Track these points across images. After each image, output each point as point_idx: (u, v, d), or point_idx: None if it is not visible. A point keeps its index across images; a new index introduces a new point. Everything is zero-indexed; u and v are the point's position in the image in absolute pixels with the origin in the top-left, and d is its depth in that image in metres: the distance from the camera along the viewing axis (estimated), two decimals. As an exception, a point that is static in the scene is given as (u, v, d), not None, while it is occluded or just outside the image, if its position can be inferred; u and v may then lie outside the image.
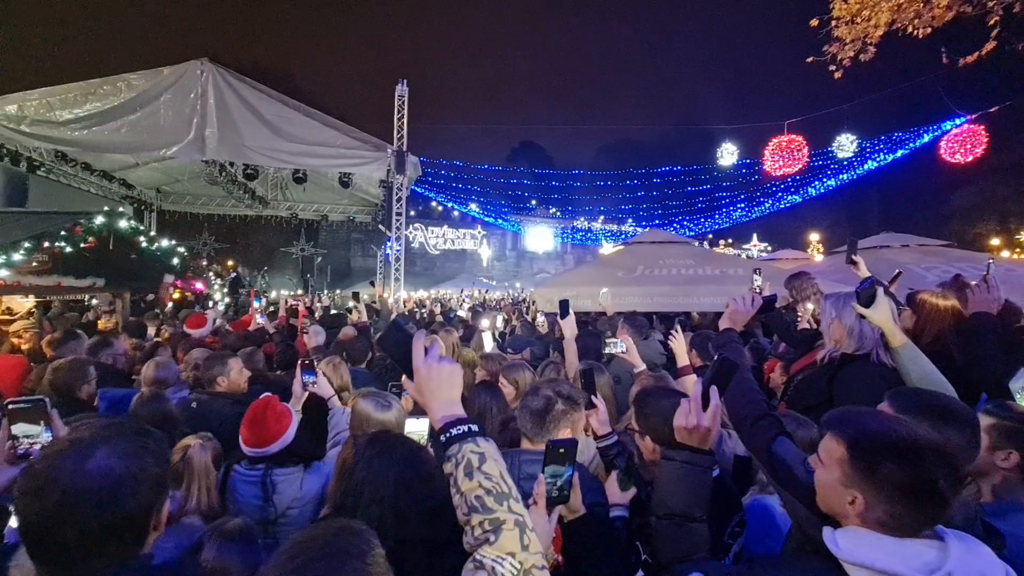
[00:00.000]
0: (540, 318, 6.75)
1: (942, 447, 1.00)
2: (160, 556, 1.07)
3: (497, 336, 5.40)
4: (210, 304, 9.94)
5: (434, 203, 38.56)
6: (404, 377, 1.17)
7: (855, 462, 1.04)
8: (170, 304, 9.00)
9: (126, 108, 8.13)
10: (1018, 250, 31.17)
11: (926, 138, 20.97)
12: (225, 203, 13.67)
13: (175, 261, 10.34)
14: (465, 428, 1.05)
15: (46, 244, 8.18)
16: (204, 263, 12.63)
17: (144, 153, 9.36)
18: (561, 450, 1.33)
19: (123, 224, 9.47)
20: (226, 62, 8.81)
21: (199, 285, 10.90)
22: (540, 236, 43.85)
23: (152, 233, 11.37)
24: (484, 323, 5.10)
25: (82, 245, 8.32)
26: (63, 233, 8.48)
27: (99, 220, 9.00)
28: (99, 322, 6.92)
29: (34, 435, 1.60)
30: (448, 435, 1.04)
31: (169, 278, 9.55)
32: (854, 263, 3.41)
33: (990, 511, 1.43)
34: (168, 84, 8.31)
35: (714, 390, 1.41)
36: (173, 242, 10.97)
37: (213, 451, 2.14)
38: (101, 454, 0.96)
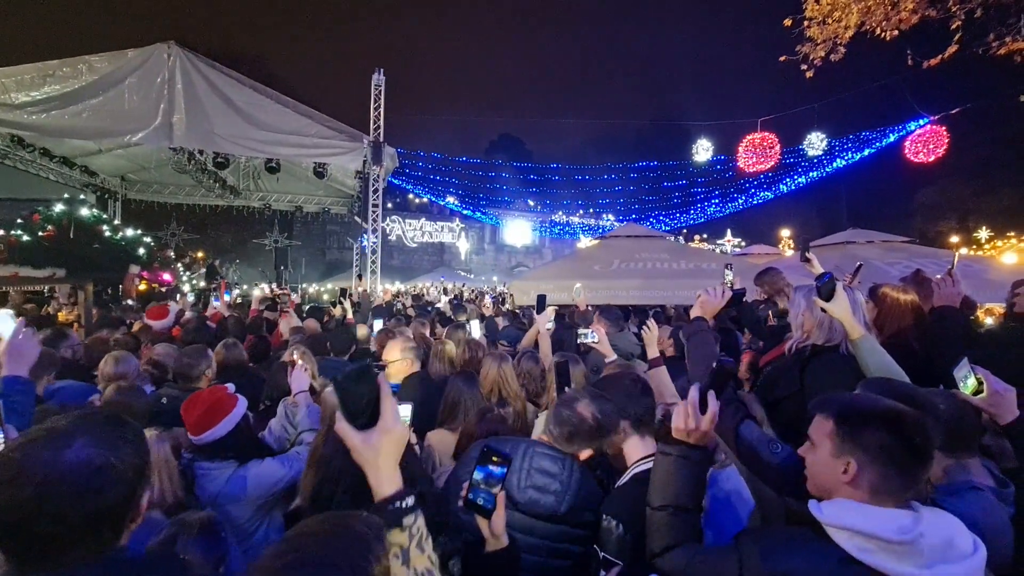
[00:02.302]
0: (487, 300, 7.00)
1: (917, 416, 1.12)
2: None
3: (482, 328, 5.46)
4: (177, 297, 9.64)
5: (411, 195, 38.18)
6: (349, 432, 1.06)
7: (842, 430, 1.15)
8: (140, 298, 8.72)
9: (88, 91, 7.79)
10: (975, 247, 32.55)
11: (892, 138, 21.67)
12: (194, 192, 13.24)
13: (141, 251, 9.96)
14: (413, 499, 1.04)
15: (1, 232, 7.80)
16: (172, 254, 12.21)
17: (107, 139, 8.99)
18: (495, 458, 1.28)
19: (84, 212, 9.07)
20: (194, 46, 8.52)
21: (167, 276, 10.56)
22: (518, 230, 43.84)
23: (116, 222, 10.95)
24: (469, 313, 5.17)
25: (40, 234, 7.94)
26: (19, 221, 8.10)
27: (59, 208, 8.60)
28: (60, 314, 6.65)
29: None
30: (404, 504, 1.02)
31: (135, 269, 9.21)
32: (808, 260, 3.57)
33: (945, 491, 1.51)
34: (133, 68, 7.98)
35: (712, 395, 1.45)
36: (139, 231, 10.57)
37: (171, 441, 2.08)
38: (80, 443, 0.92)
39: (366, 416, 1.07)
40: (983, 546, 1.02)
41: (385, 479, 1.04)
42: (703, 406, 1.43)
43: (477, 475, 1.28)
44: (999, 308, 5.40)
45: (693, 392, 1.45)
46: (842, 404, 1.19)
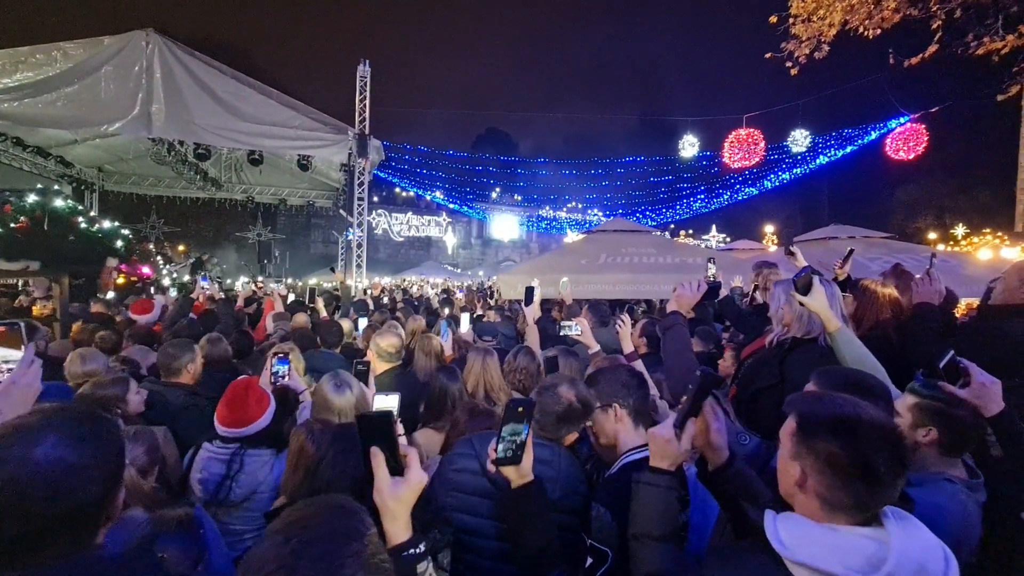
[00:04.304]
0: (459, 293, 7.05)
1: (884, 429, 1.01)
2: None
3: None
4: (158, 290, 9.44)
5: (398, 189, 37.89)
6: (383, 475, 1.11)
7: (800, 434, 1.08)
8: (112, 291, 8.52)
9: (62, 79, 7.55)
10: (952, 243, 33.28)
11: (873, 135, 22.10)
12: (175, 184, 12.98)
13: (119, 244, 9.72)
14: (424, 545, 1.11)
15: (-29, 224, 7.55)
16: (152, 247, 11.96)
17: (83, 129, 8.75)
18: (520, 408, 1.34)
19: (59, 203, 8.81)
20: (174, 34, 8.31)
21: (146, 270, 10.34)
22: (505, 224, 43.85)
23: (93, 214, 10.67)
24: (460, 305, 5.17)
25: (12, 225, 7.71)
26: (-10, 212, 7.85)
27: (32, 199, 8.34)
28: (34, 308, 6.47)
29: (13, 359, 1.52)
30: (417, 551, 1.09)
31: (112, 262, 8.99)
32: (791, 254, 3.70)
33: (916, 480, 1.54)
34: (109, 55, 7.75)
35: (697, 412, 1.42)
36: (117, 224, 10.31)
37: (146, 450, 1.91)
38: (51, 441, 0.89)
39: (397, 461, 1.13)
40: (953, 559, 0.95)
41: (402, 526, 1.09)
42: (682, 427, 1.39)
43: (506, 431, 1.34)
44: (977, 302, 5.54)
45: (672, 417, 1.42)
46: (805, 405, 1.13)
